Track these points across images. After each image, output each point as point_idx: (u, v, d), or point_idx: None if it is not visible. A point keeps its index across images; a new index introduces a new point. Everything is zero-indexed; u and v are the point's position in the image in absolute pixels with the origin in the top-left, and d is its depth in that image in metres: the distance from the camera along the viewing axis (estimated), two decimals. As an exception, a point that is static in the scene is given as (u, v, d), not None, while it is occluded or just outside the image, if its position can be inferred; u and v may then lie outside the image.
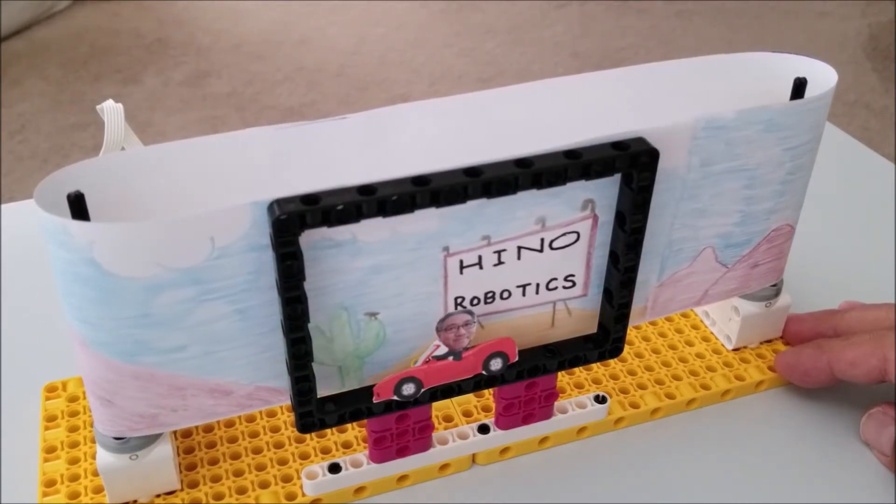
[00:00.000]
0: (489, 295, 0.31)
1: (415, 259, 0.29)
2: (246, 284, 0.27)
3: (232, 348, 0.28)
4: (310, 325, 0.28)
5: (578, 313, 0.33)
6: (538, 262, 0.31)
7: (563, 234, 0.30)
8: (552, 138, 0.28)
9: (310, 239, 0.27)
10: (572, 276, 0.32)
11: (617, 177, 0.30)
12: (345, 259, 0.28)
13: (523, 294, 0.31)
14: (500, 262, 0.30)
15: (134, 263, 0.25)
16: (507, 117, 0.32)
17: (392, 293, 0.29)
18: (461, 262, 0.29)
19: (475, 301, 0.31)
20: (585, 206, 0.30)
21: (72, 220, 0.25)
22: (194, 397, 0.29)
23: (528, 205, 0.29)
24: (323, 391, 0.30)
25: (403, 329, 0.30)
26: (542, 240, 0.30)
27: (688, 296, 0.35)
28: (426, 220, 0.28)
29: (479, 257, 0.29)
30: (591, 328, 0.33)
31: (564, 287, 0.32)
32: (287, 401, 0.30)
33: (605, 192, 0.30)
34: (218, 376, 0.29)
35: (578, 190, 0.29)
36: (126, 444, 0.30)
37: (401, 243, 0.28)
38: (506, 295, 0.31)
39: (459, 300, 0.30)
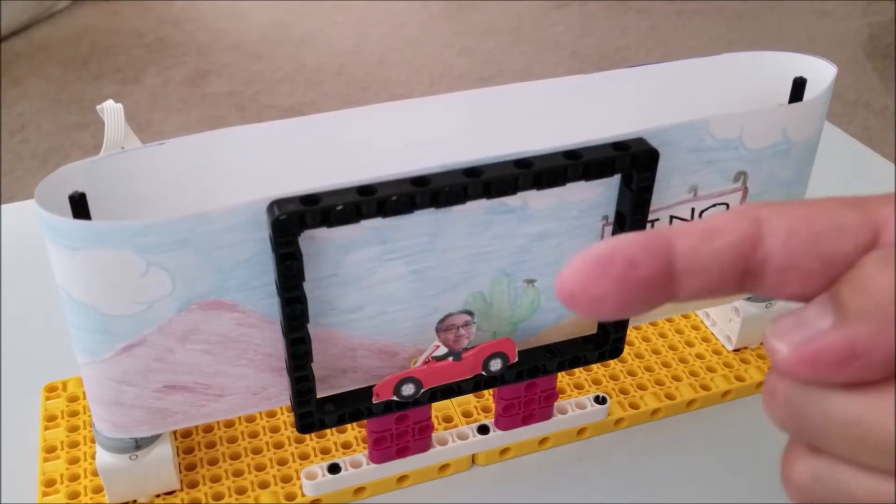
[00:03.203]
0: None
1: (575, 227, 0.30)
2: (424, 245, 0.28)
3: (403, 309, 0.29)
4: (472, 292, 0.30)
5: None
6: None
7: (713, 206, 0.31)
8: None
9: (485, 204, 0.28)
10: None
11: (777, 146, 0.31)
12: (514, 225, 0.29)
13: None
14: None
15: None
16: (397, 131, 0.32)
17: (550, 261, 0.30)
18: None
19: None
20: (738, 177, 0.31)
21: (282, 196, 0.25)
22: (364, 358, 0.30)
23: (683, 172, 0.30)
24: None
25: (555, 297, 0.31)
26: (693, 209, 0.31)
27: None
28: (591, 188, 0.29)
29: None
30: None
31: None
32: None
33: (760, 164, 0.31)
34: (387, 337, 0.30)
35: (734, 161, 0.31)
36: (126, 444, 0.30)
37: (565, 211, 0.29)
38: None
39: None
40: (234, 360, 0.29)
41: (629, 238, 0.17)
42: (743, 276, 0.18)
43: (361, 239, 0.27)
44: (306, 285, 0.27)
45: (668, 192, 0.31)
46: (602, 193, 0.29)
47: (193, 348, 0.28)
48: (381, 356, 0.30)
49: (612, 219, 0.30)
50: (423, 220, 0.27)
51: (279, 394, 0.30)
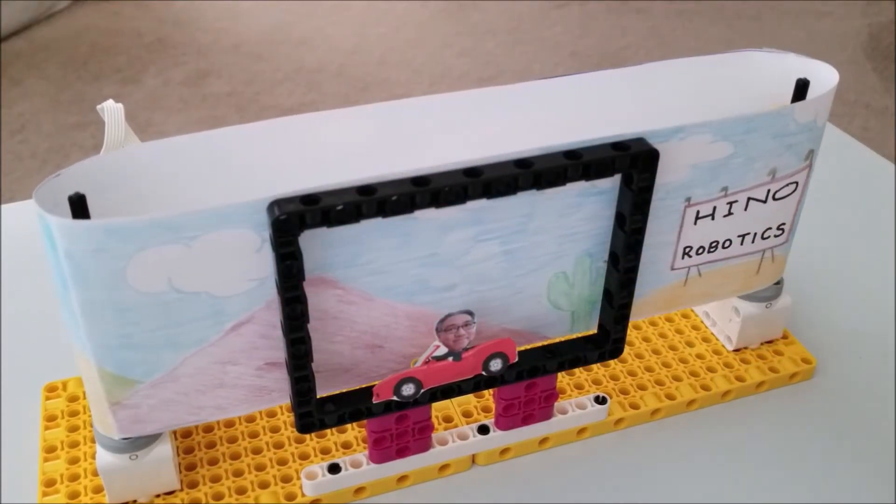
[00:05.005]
0: (713, 244, 0.33)
1: (659, 208, 0.31)
2: (517, 226, 0.29)
3: (491, 289, 0.30)
4: (556, 272, 0.31)
5: (780, 259, 0.35)
6: (761, 212, 0.33)
7: (786, 185, 0.33)
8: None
9: (578, 187, 0.29)
10: (783, 224, 0.34)
11: (826, 119, 0.32)
12: (602, 207, 0.30)
13: (741, 243, 0.33)
14: (729, 213, 0.32)
15: None
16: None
17: None
18: (698, 212, 0.32)
19: (700, 250, 0.33)
20: (808, 156, 0.32)
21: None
22: None
23: (767, 157, 0.31)
24: (554, 336, 0.33)
25: None
26: (769, 191, 0.32)
27: None
28: (679, 171, 0.30)
29: (714, 208, 0.32)
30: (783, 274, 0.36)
31: (775, 235, 0.34)
32: (524, 343, 0.32)
33: (820, 140, 0.32)
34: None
35: (807, 142, 0.32)
36: (126, 444, 0.30)
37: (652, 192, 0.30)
38: (727, 244, 0.33)
39: (687, 249, 0.32)
40: (331, 336, 0.29)
41: None
42: None
43: (461, 219, 0.28)
44: (404, 264, 0.28)
45: (750, 176, 0.32)
46: (688, 175, 0.30)
47: None
48: None
49: (694, 200, 0.31)
50: (520, 202, 0.28)
51: (367, 371, 0.31)
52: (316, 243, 0.27)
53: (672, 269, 0.33)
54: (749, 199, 0.32)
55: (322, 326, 0.29)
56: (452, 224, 0.28)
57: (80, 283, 0.26)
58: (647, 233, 0.31)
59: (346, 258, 0.28)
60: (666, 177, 0.30)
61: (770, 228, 0.34)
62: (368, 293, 0.29)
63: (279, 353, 0.29)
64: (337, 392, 0.31)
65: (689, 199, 0.31)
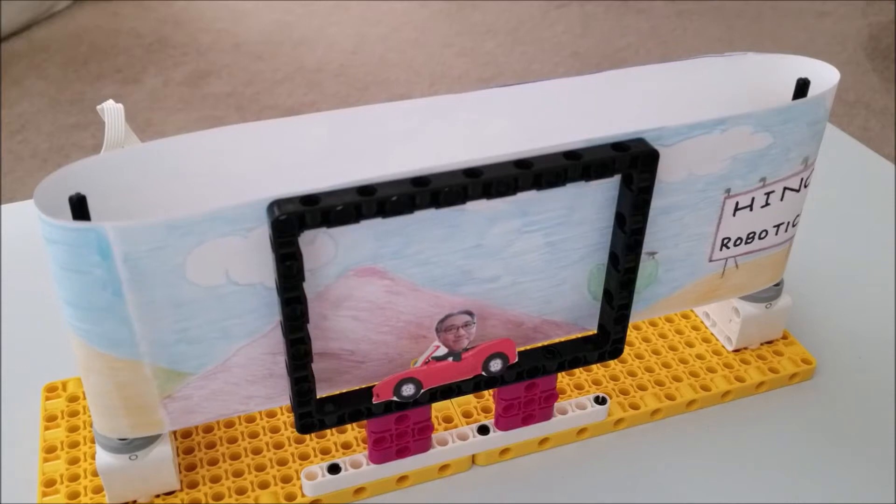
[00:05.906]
0: (750, 235, 0.33)
1: (699, 200, 0.31)
2: (561, 218, 0.29)
3: (534, 280, 0.30)
4: (597, 263, 0.31)
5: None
6: (794, 201, 0.33)
7: (812, 172, 0.33)
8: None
9: (619, 178, 0.29)
10: (802, 208, 0.34)
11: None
12: None
13: (776, 233, 0.34)
14: (766, 204, 0.33)
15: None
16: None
17: (672, 233, 0.32)
18: (737, 203, 0.32)
19: (738, 241, 0.33)
20: (821, 140, 0.33)
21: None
22: (493, 328, 0.31)
23: (801, 145, 0.32)
24: (594, 328, 0.33)
25: (672, 269, 0.33)
26: (801, 179, 0.33)
27: None
28: (720, 163, 0.30)
29: (752, 199, 0.32)
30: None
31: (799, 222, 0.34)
32: (563, 334, 0.33)
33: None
34: (516, 308, 0.31)
35: (823, 129, 0.32)
36: (125, 445, 0.30)
37: (692, 184, 0.31)
38: (763, 235, 0.33)
39: (725, 241, 0.33)
40: (379, 326, 0.30)
41: None
42: None
43: (507, 211, 0.28)
44: (450, 255, 0.28)
45: (786, 166, 0.32)
46: (728, 167, 0.31)
47: (345, 315, 0.29)
48: (508, 326, 0.31)
49: (733, 191, 0.32)
50: (566, 193, 0.29)
51: (410, 361, 0.31)
52: (368, 234, 0.27)
53: (710, 260, 0.33)
54: (785, 188, 0.33)
55: (370, 317, 0.29)
56: (499, 216, 0.28)
57: (138, 285, 0.26)
58: (686, 224, 0.32)
59: (395, 249, 0.28)
60: (707, 168, 0.31)
61: (798, 216, 0.35)
62: (415, 283, 0.29)
63: (326, 342, 0.29)
64: (365, 385, 0.31)
65: (728, 191, 0.32)
